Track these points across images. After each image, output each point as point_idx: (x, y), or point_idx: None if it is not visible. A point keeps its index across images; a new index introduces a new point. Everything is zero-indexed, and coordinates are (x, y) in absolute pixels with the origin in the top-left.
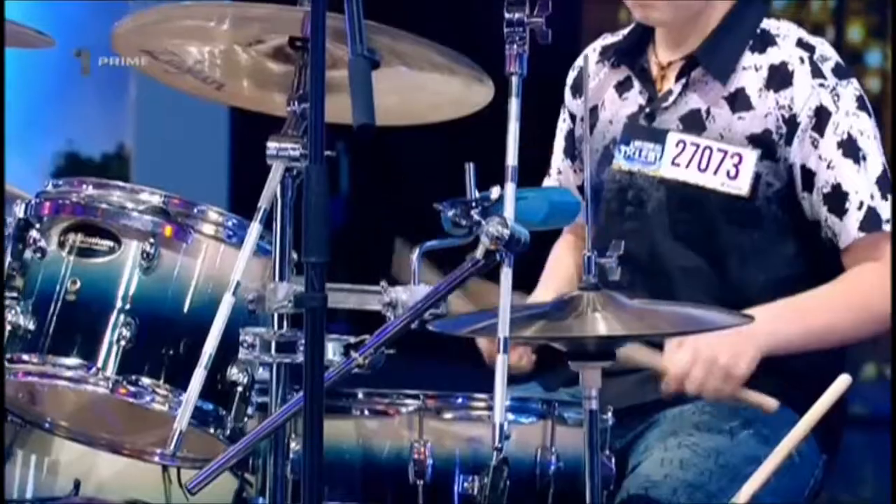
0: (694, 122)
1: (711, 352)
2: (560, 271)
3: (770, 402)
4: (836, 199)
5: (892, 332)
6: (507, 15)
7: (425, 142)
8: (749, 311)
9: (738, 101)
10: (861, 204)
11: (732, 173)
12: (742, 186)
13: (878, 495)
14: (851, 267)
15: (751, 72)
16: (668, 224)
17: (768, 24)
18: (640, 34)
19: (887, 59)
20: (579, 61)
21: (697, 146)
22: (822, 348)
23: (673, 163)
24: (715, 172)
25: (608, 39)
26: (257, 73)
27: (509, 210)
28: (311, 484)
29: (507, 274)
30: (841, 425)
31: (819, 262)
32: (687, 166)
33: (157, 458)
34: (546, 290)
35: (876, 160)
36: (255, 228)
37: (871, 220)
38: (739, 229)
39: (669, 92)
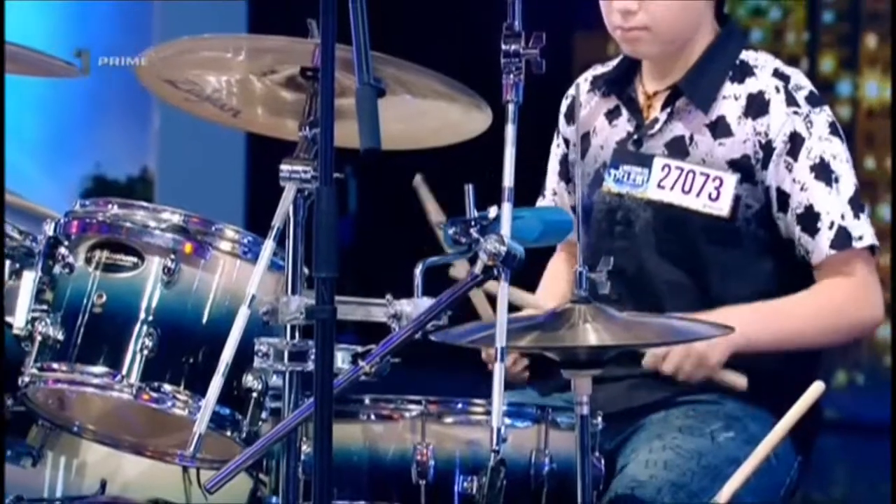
0: (678, 148)
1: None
2: (555, 287)
3: (741, 381)
4: (809, 220)
5: (892, 336)
6: (504, 46)
7: (428, 165)
8: (724, 310)
9: (719, 129)
10: (832, 224)
11: (714, 195)
12: (723, 208)
13: (849, 495)
14: (824, 281)
15: (730, 100)
16: (654, 242)
17: (747, 55)
18: (628, 66)
19: (858, 89)
20: (572, 90)
21: (681, 170)
22: (791, 350)
23: (659, 185)
24: (698, 195)
25: (598, 70)
26: (271, 100)
27: (506, 228)
28: (322, 484)
29: (503, 288)
30: (815, 429)
31: (795, 277)
32: (672, 189)
33: (177, 460)
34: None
35: (848, 182)
36: (269, 245)
37: (841, 239)
38: (721, 248)
39: (655, 120)
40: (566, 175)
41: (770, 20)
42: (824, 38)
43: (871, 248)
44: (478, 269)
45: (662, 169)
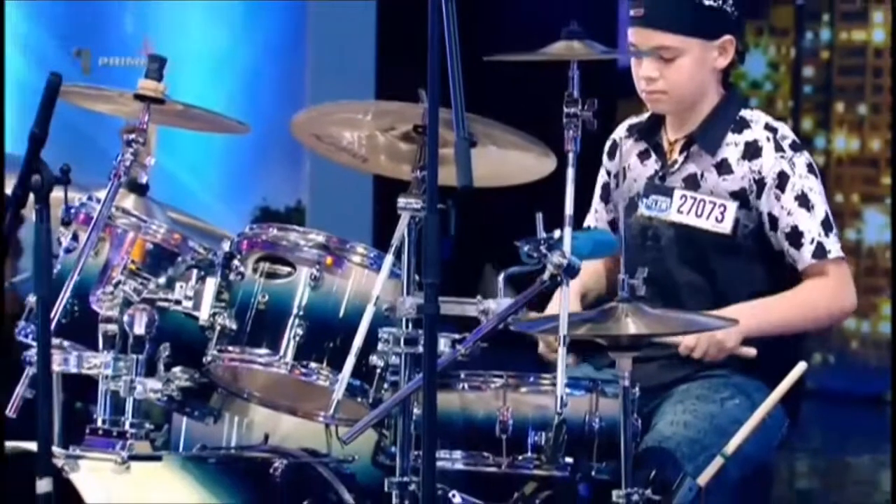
0: (692, 182)
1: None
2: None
3: (752, 352)
4: (795, 237)
5: (892, 333)
6: (565, 110)
7: (508, 198)
8: (734, 308)
9: (723, 168)
10: (812, 240)
11: (720, 218)
12: (726, 227)
13: (822, 445)
14: (806, 282)
15: (732, 147)
16: (676, 254)
17: (745, 112)
18: (656, 120)
19: (830, 143)
20: (614, 135)
21: (695, 199)
22: (781, 334)
23: (678, 211)
24: (707, 218)
25: (633, 120)
26: (391, 150)
27: (567, 246)
28: (429, 437)
29: (566, 291)
30: (799, 397)
31: (780, 279)
32: (688, 213)
33: (321, 419)
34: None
35: (821, 209)
36: (389, 259)
37: (819, 251)
38: (725, 257)
39: (675, 161)
40: (606, 198)
41: (764, 91)
42: (805, 105)
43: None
44: (546, 276)
45: (681, 198)
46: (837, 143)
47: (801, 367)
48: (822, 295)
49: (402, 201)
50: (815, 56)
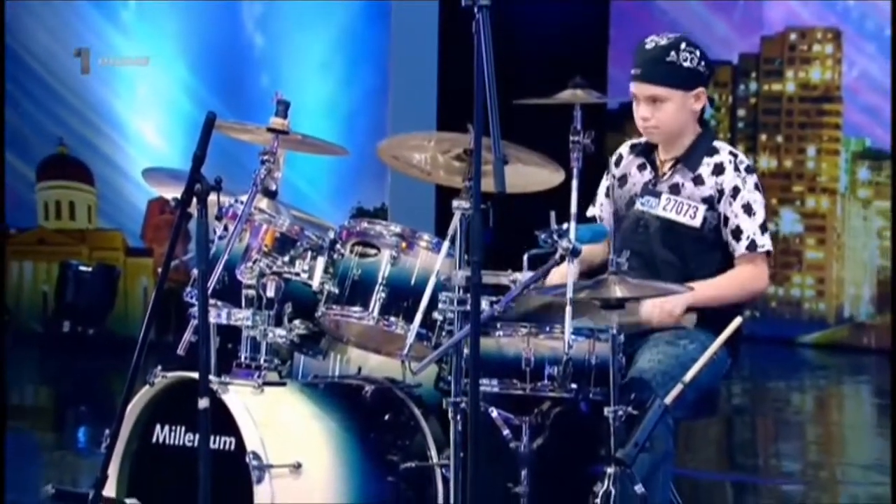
0: (675, 190)
1: (662, 301)
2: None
3: (692, 320)
4: (737, 234)
5: (892, 329)
6: (571, 138)
7: (531, 200)
8: (686, 285)
9: (698, 181)
10: (748, 237)
11: (692, 215)
12: (697, 223)
13: (750, 372)
14: (738, 267)
15: (705, 166)
16: (659, 239)
17: (715, 143)
18: (652, 144)
19: (757, 163)
20: (620, 150)
21: (676, 201)
22: (720, 305)
23: (663, 209)
24: (684, 215)
25: (634, 141)
26: (448, 167)
27: (572, 235)
28: (474, 370)
29: (571, 268)
30: (738, 342)
31: (730, 261)
32: (670, 211)
33: (398, 357)
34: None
35: (760, 216)
36: (446, 244)
37: (751, 245)
38: (694, 244)
39: (664, 173)
40: (610, 195)
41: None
42: (739, 136)
43: (768, 253)
44: (557, 256)
45: (666, 200)
46: (762, 162)
47: (738, 320)
48: (745, 278)
49: (455, 203)
50: (746, 101)
